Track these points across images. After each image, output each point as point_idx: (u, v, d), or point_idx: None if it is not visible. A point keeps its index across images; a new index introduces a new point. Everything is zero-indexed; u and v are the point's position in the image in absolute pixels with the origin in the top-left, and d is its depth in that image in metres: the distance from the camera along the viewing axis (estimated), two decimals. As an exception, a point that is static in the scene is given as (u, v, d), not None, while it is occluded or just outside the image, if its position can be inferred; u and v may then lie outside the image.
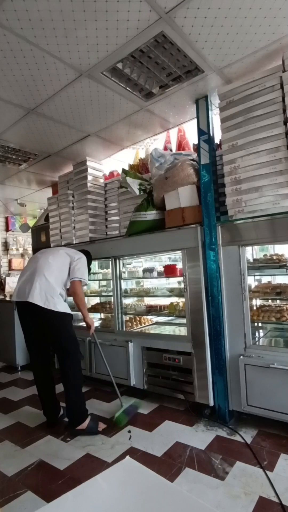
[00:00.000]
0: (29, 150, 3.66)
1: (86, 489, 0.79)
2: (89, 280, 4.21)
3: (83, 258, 2.83)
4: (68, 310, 2.64)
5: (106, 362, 2.92)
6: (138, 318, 3.58)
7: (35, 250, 3.48)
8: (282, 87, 2.26)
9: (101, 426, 2.56)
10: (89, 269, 3.11)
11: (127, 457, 0.94)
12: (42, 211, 5.97)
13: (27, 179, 4.72)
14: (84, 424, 2.50)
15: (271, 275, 2.76)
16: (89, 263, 3.05)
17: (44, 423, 2.74)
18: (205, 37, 2.06)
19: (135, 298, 3.91)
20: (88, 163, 3.75)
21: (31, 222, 6.27)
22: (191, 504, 0.74)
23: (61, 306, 2.59)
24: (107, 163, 4.05)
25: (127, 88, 2.55)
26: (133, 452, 2.22)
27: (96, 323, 4.08)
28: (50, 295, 2.54)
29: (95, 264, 4.48)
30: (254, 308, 2.77)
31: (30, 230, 5.37)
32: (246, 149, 2.41)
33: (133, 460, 0.90)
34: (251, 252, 2.88)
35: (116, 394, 2.83)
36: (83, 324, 4.07)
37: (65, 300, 2.72)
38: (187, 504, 0.74)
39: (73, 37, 1.99)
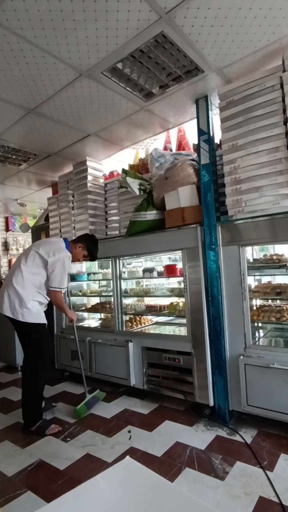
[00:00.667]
0: (29, 150, 3.66)
1: (86, 489, 0.79)
2: (89, 280, 4.24)
3: (61, 261, 2.61)
4: (40, 320, 2.59)
5: (80, 356, 3.00)
6: (138, 318, 3.58)
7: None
8: (282, 87, 2.26)
9: (52, 429, 2.56)
10: (93, 257, 2.94)
11: (127, 457, 0.94)
12: (42, 211, 5.97)
13: (27, 179, 4.72)
14: (35, 426, 2.56)
15: (271, 275, 2.76)
16: (92, 250, 2.91)
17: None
18: (205, 37, 2.06)
19: (135, 298, 3.92)
20: (88, 163, 3.75)
21: (31, 222, 6.27)
22: (191, 504, 0.74)
23: (31, 317, 2.54)
24: (107, 163, 4.05)
25: (127, 88, 2.55)
26: (133, 452, 2.22)
27: (96, 323, 4.09)
28: (18, 305, 2.53)
29: (95, 264, 4.48)
30: (254, 308, 2.77)
31: (30, 230, 5.38)
32: (246, 149, 2.41)
33: (133, 460, 0.90)
34: (251, 252, 2.88)
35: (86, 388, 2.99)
36: (83, 324, 4.09)
37: (45, 304, 2.73)
38: (187, 504, 0.74)
39: (73, 37, 1.99)
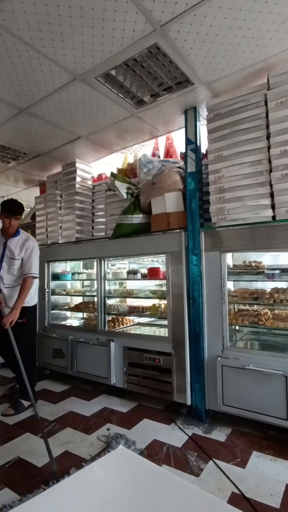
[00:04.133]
0: (19, 149, 3.66)
1: (84, 475, 0.84)
2: (74, 280, 4.26)
3: None
4: None
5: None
6: (120, 318, 3.63)
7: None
8: (266, 104, 2.40)
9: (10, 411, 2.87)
10: (8, 211, 2.92)
11: (120, 446, 1.00)
12: (29, 209, 5.93)
13: (14, 177, 4.69)
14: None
15: (249, 281, 2.88)
16: (3, 206, 2.96)
17: (23, 420, 2.74)
18: (196, 52, 2.17)
19: (118, 299, 3.97)
20: (77, 164, 3.78)
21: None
22: (181, 485, 0.81)
23: None
24: (96, 166, 4.10)
25: (119, 94, 2.62)
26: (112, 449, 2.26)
27: (78, 322, 4.11)
28: None
29: (79, 264, 4.51)
30: (233, 312, 2.88)
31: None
32: (230, 160, 2.53)
33: (125, 449, 0.96)
34: (231, 258, 2.99)
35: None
36: (66, 322, 4.10)
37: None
38: (177, 486, 0.81)
39: (69, 41, 2.05)
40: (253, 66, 2.34)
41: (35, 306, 3.21)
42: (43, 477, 1.99)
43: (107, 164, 4.19)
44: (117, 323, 3.51)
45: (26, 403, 2.96)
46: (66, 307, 4.25)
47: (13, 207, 2.92)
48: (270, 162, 2.38)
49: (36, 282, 3.11)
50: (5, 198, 5.68)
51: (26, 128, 3.18)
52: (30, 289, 2.92)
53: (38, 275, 3.01)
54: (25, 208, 3.45)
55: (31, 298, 3.07)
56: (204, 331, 2.65)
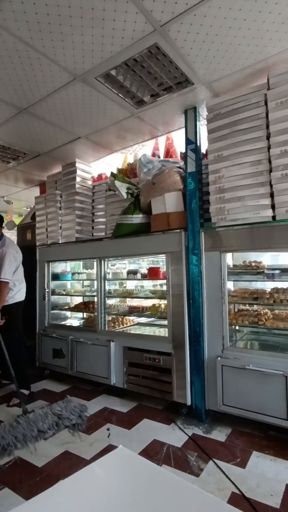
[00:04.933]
0: (19, 149, 3.66)
1: (83, 476, 0.83)
2: (74, 280, 4.27)
3: None
4: None
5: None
6: (120, 318, 3.64)
7: (21, 248, 3.48)
8: (266, 104, 2.40)
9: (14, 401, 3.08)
10: None
11: (121, 445, 1.00)
12: (29, 209, 5.93)
13: (14, 177, 4.69)
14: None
15: (249, 281, 2.88)
16: None
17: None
18: (196, 52, 2.17)
19: (118, 299, 3.97)
20: (77, 164, 3.78)
21: (17, 220, 6.21)
22: (181, 485, 0.81)
23: None
24: (96, 166, 4.10)
25: (119, 94, 2.62)
26: (112, 450, 2.26)
27: (78, 322, 4.12)
28: None
29: (79, 264, 4.51)
30: (233, 311, 2.88)
31: (15, 228, 5.33)
32: (230, 160, 2.53)
33: (126, 449, 0.96)
34: (231, 258, 2.99)
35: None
36: (66, 322, 4.11)
37: None
38: (177, 486, 0.81)
39: (69, 41, 2.05)
40: (253, 66, 2.34)
41: (17, 303, 3.34)
42: (43, 477, 2.00)
43: (107, 164, 4.19)
44: (117, 323, 3.51)
45: (25, 392, 3.24)
46: (66, 307, 4.26)
47: None
48: (270, 162, 2.38)
49: (14, 284, 3.28)
50: (5, 198, 5.73)
51: (26, 128, 3.18)
52: (3, 293, 3.13)
53: (7, 279, 3.14)
54: (22, 216, 3.62)
55: (11, 297, 3.28)
56: (204, 331, 2.65)
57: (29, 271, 3.70)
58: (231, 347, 2.60)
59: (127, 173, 3.65)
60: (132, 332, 3.44)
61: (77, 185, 3.75)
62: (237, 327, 2.96)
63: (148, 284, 3.93)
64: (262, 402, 2.34)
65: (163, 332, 3.18)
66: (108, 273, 3.63)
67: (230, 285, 2.86)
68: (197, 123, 2.85)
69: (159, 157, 3.47)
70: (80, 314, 4.29)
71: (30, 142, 3.50)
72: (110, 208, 3.65)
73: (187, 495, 0.78)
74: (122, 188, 3.25)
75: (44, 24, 1.90)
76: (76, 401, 2.97)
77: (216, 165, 2.61)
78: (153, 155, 3.50)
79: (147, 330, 3.46)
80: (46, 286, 3.94)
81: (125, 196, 3.27)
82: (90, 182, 3.92)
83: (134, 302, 3.90)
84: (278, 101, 2.32)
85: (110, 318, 3.58)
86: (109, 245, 3.36)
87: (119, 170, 3.77)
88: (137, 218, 3.16)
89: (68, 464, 2.13)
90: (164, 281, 2.96)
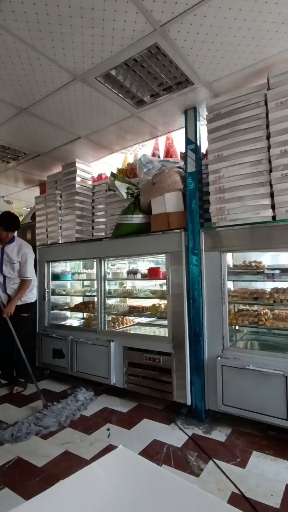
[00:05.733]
0: (19, 149, 3.66)
1: (83, 476, 0.83)
2: (74, 280, 4.28)
3: None
4: None
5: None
6: (120, 318, 3.64)
7: (21, 248, 3.49)
8: (266, 104, 2.40)
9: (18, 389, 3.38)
10: (3, 225, 3.36)
11: (120, 445, 0.99)
12: (29, 209, 5.94)
13: (14, 177, 4.70)
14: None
15: (249, 281, 2.88)
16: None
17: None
18: (196, 52, 2.17)
19: (118, 299, 3.97)
20: (77, 164, 3.78)
21: (16, 220, 6.20)
22: (181, 485, 0.81)
23: None
24: (96, 166, 4.10)
25: (119, 94, 2.62)
26: (112, 450, 2.26)
27: (78, 322, 4.12)
28: None
29: (79, 264, 4.51)
30: (233, 311, 2.88)
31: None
32: (230, 160, 2.53)
33: (126, 449, 0.96)
34: (231, 258, 3.00)
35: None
36: (66, 322, 4.11)
37: None
38: (177, 486, 0.81)
39: (69, 41, 2.05)
40: (253, 66, 2.34)
41: (35, 301, 3.76)
42: (43, 477, 2.00)
43: (107, 164, 4.19)
44: (117, 323, 3.51)
45: (23, 381, 3.52)
46: (66, 307, 4.26)
47: (11, 225, 3.40)
48: (270, 162, 2.38)
49: (34, 281, 3.61)
50: (5, 198, 5.73)
51: (26, 128, 3.18)
52: (27, 289, 3.48)
53: (32, 276, 3.53)
54: (22, 216, 3.80)
55: (32, 295, 3.65)
56: (204, 331, 2.65)
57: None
58: (231, 347, 2.60)
59: (127, 173, 3.65)
60: (132, 332, 3.44)
61: (77, 185, 3.75)
62: (237, 327, 2.96)
63: (148, 284, 3.93)
64: (262, 402, 2.34)
65: (163, 332, 3.18)
66: (108, 273, 3.63)
67: (230, 285, 2.86)
68: (197, 123, 2.85)
69: (159, 157, 3.47)
70: (80, 314, 4.29)
71: (30, 142, 3.50)
72: (110, 208, 3.65)
73: (187, 495, 0.78)
74: (122, 188, 3.25)
75: (44, 24, 1.90)
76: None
77: (216, 165, 2.61)
78: (153, 155, 3.50)
79: (147, 330, 3.46)
80: (46, 286, 3.95)
81: (125, 196, 3.27)
82: (90, 182, 3.92)
83: (134, 302, 3.90)
84: (278, 101, 2.33)
85: (110, 318, 3.58)
86: (109, 245, 3.36)
87: (119, 170, 3.77)
88: (137, 218, 3.16)
89: (68, 464, 2.13)
90: (164, 281, 2.96)
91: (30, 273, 3.46)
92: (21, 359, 3.26)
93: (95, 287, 3.51)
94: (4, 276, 3.45)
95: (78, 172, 3.79)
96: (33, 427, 2.57)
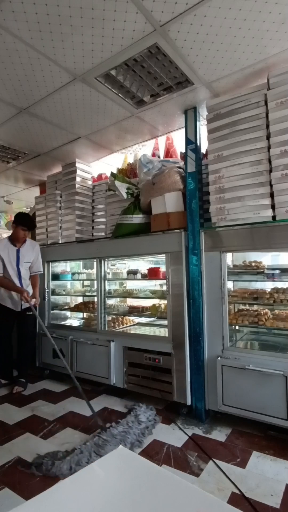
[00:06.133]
0: (19, 149, 3.66)
1: (83, 476, 0.83)
2: (74, 280, 4.27)
3: None
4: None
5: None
6: (120, 318, 3.64)
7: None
8: (266, 104, 2.40)
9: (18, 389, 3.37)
10: (25, 225, 3.37)
11: (120, 446, 0.99)
12: (28, 209, 5.93)
13: (14, 177, 4.70)
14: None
15: (249, 281, 2.88)
16: (21, 220, 3.38)
17: (23, 420, 2.74)
18: (196, 52, 2.17)
19: (118, 299, 3.97)
20: (77, 164, 3.78)
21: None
22: (181, 485, 0.81)
23: None
24: (96, 166, 4.10)
25: (119, 94, 2.62)
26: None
27: (78, 322, 4.12)
28: None
29: (79, 264, 4.51)
30: (233, 312, 2.88)
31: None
32: (230, 160, 2.53)
33: (126, 449, 0.96)
34: (231, 258, 3.00)
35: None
36: (66, 322, 4.11)
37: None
38: (177, 486, 0.81)
39: (69, 41, 2.05)
40: (253, 66, 2.34)
41: None
42: (43, 477, 2.00)
43: (107, 164, 4.19)
44: (117, 323, 3.51)
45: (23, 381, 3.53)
46: (66, 307, 4.26)
47: (32, 223, 3.48)
48: (270, 162, 2.38)
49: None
50: (5, 198, 5.73)
51: (26, 128, 3.18)
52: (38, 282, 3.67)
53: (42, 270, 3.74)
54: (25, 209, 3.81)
55: None
56: (204, 331, 2.65)
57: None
58: (231, 347, 2.60)
59: (127, 173, 3.65)
60: (132, 332, 3.44)
61: (77, 185, 3.76)
62: (237, 327, 2.96)
63: (148, 284, 3.93)
64: (262, 402, 2.34)
65: (163, 332, 3.18)
66: (108, 273, 3.63)
67: (230, 285, 2.86)
68: (197, 123, 2.85)
69: (159, 157, 3.47)
70: (80, 314, 4.29)
71: (30, 142, 3.50)
72: (110, 208, 3.65)
73: (187, 495, 0.78)
74: (122, 188, 3.25)
75: (44, 24, 1.90)
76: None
77: (216, 165, 2.61)
78: (153, 155, 3.50)
79: (147, 330, 3.46)
80: (46, 286, 3.95)
81: (125, 196, 3.27)
82: (90, 182, 3.92)
83: (134, 302, 3.90)
84: (278, 101, 2.32)
85: (110, 318, 3.58)
86: (109, 245, 3.36)
87: (119, 170, 3.77)
88: (137, 218, 3.16)
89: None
90: (164, 281, 2.96)
91: (41, 267, 3.67)
92: (24, 358, 3.31)
93: (95, 287, 3.51)
94: (20, 278, 3.45)
95: (78, 172, 3.79)
96: (93, 458, 2.11)
